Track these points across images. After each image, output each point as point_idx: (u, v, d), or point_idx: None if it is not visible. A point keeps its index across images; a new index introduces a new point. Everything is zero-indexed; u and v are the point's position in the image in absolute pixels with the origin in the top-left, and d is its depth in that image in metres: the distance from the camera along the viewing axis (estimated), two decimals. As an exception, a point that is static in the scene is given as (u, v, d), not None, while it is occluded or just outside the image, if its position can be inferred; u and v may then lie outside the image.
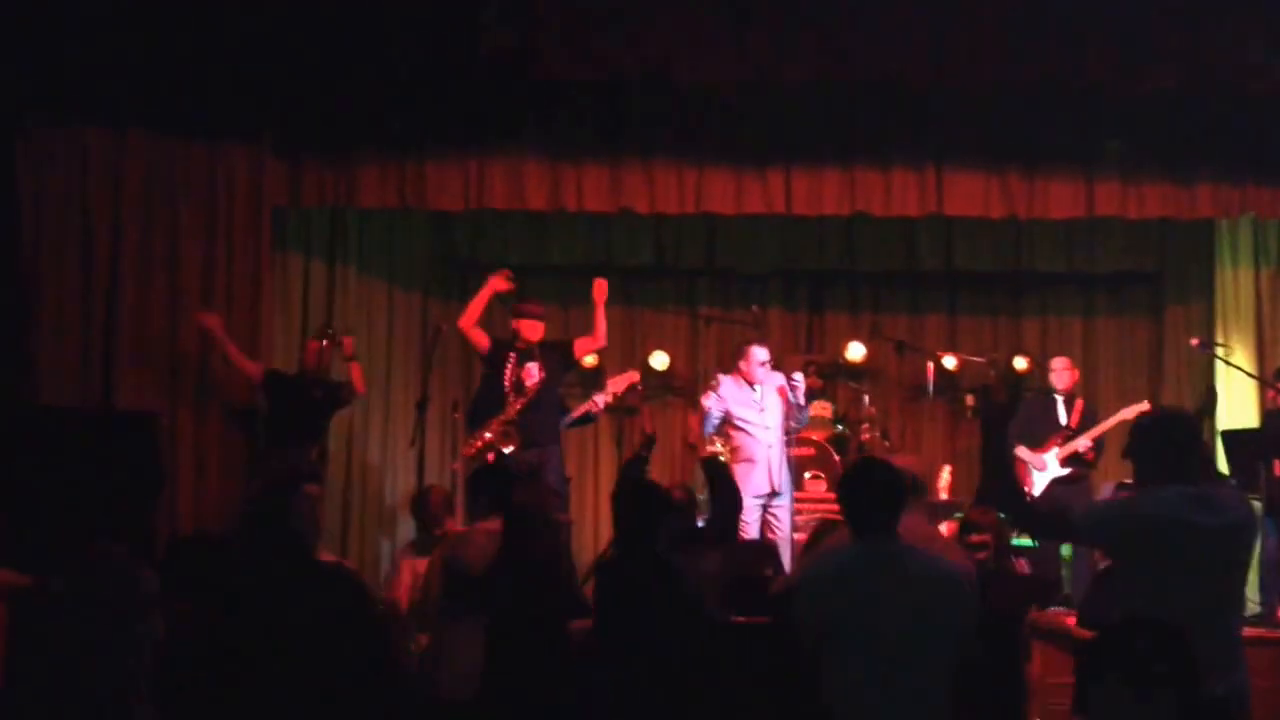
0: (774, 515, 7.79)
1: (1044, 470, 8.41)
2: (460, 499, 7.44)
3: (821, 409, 9.43)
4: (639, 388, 8.65)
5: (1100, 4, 7.28)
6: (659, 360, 9.85)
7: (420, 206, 8.15)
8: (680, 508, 5.85)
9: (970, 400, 9.74)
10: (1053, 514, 4.92)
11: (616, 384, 8.32)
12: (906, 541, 4.13)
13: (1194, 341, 8.68)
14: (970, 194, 8.01)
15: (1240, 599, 4.17)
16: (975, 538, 5.42)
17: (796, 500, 8.05)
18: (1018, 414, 8.79)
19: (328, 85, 7.58)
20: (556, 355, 8.04)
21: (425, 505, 7.22)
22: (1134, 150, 7.94)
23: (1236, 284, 8.83)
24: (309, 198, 8.00)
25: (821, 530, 5.58)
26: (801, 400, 8.00)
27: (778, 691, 4.32)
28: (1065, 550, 8.05)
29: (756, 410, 7.88)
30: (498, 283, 7.98)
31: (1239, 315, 8.78)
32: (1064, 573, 8.11)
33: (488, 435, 7.77)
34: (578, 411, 8.32)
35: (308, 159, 7.91)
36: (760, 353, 7.97)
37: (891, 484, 4.07)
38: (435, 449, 9.09)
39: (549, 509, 5.36)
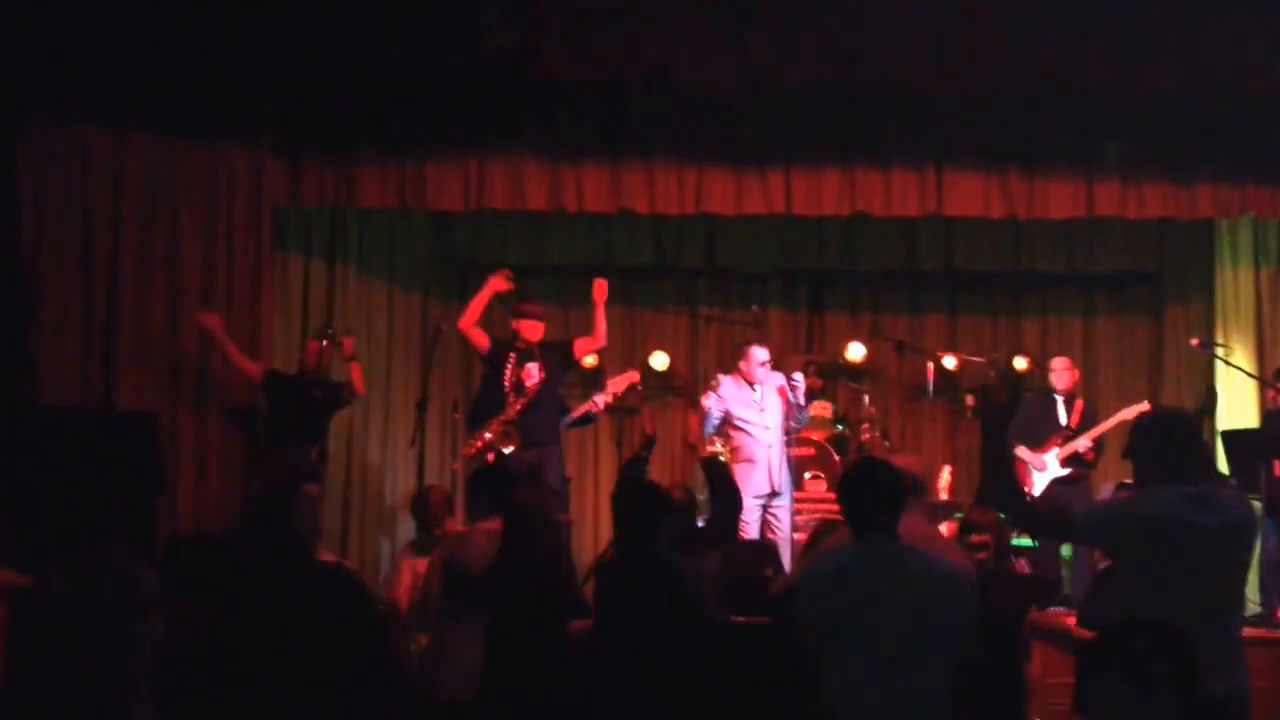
0: (774, 515, 7.79)
1: (1044, 470, 8.41)
2: (460, 499, 7.44)
3: (821, 409, 9.43)
4: (639, 388, 8.64)
5: (1100, 4, 7.28)
6: (659, 360, 9.86)
7: (420, 206, 8.15)
8: (680, 508, 5.85)
9: (970, 400, 9.74)
10: (1052, 514, 4.92)
11: (616, 384, 8.32)
12: (907, 541, 4.13)
13: (1194, 341, 8.68)
14: (970, 194, 8.01)
15: (1240, 599, 4.17)
16: (975, 538, 5.42)
17: (796, 500, 8.05)
18: (1018, 414, 8.79)
19: (328, 85, 7.59)
20: (557, 355, 8.04)
21: (425, 505, 7.22)
22: (1134, 150, 7.94)
23: (1236, 284, 8.83)
24: (309, 198, 8.00)
25: (822, 530, 5.58)
26: (801, 400, 8.00)
27: (778, 691, 4.33)
28: (1065, 550, 8.05)
29: (756, 410, 7.88)
30: (498, 283, 7.98)
31: (1239, 315, 8.78)
32: (1064, 573, 8.11)
33: (488, 435, 7.77)
34: (578, 412, 8.32)
35: (308, 159, 7.91)
36: (760, 353, 7.98)
37: (891, 484, 4.07)
38: (435, 449, 9.09)
39: (549, 509, 5.36)
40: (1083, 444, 8.37)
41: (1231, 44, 7.25)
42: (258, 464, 7.72)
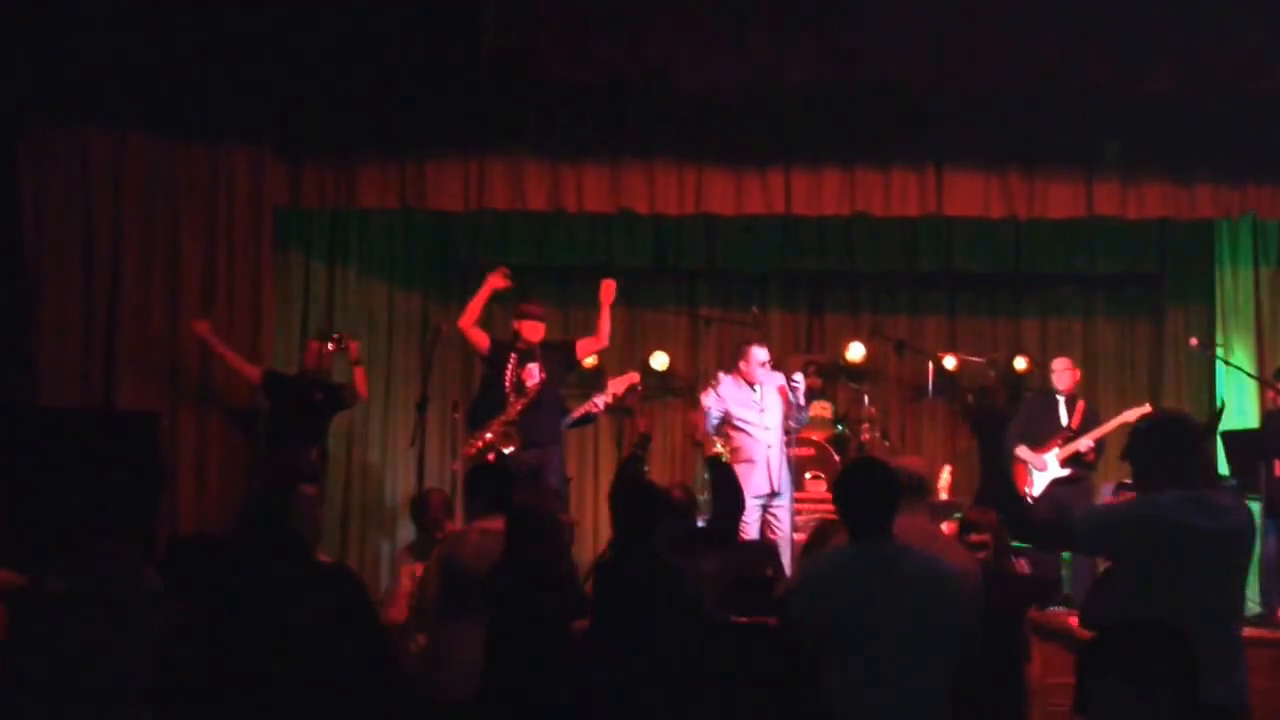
0: (774, 515, 7.79)
1: (1044, 470, 8.42)
2: (460, 500, 7.44)
3: (821, 409, 9.44)
4: (639, 388, 8.64)
5: (1100, 4, 7.28)
6: (659, 360, 9.86)
7: (420, 207, 8.15)
8: (680, 508, 5.85)
9: (971, 400, 9.74)
10: (1050, 523, 4.91)
11: (617, 385, 8.32)
12: (910, 542, 4.13)
13: (1194, 341, 8.68)
14: (970, 194, 8.01)
15: (1240, 604, 4.16)
16: (975, 537, 5.42)
17: (796, 500, 8.05)
18: (1019, 414, 8.79)
19: (328, 85, 7.59)
20: (558, 356, 8.04)
21: (425, 509, 7.22)
22: (1134, 150, 7.94)
23: (1236, 284, 8.82)
24: (309, 198, 8.00)
25: (825, 530, 5.57)
26: (801, 400, 8.00)
27: (778, 691, 4.33)
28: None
29: (756, 411, 7.88)
30: (496, 281, 7.97)
31: (1239, 315, 8.77)
32: (1064, 573, 8.11)
33: (488, 435, 7.76)
34: (578, 412, 8.32)
35: (308, 159, 7.92)
36: (760, 353, 7.97)
37: (886, 484, 4.07)
38: (435, 449, 9.10)
39: (552, 510, 5.35)
40: (1084, 444, 8.37)
41: (1231, 44, 7.25)
42: (258, 464, 7.73)
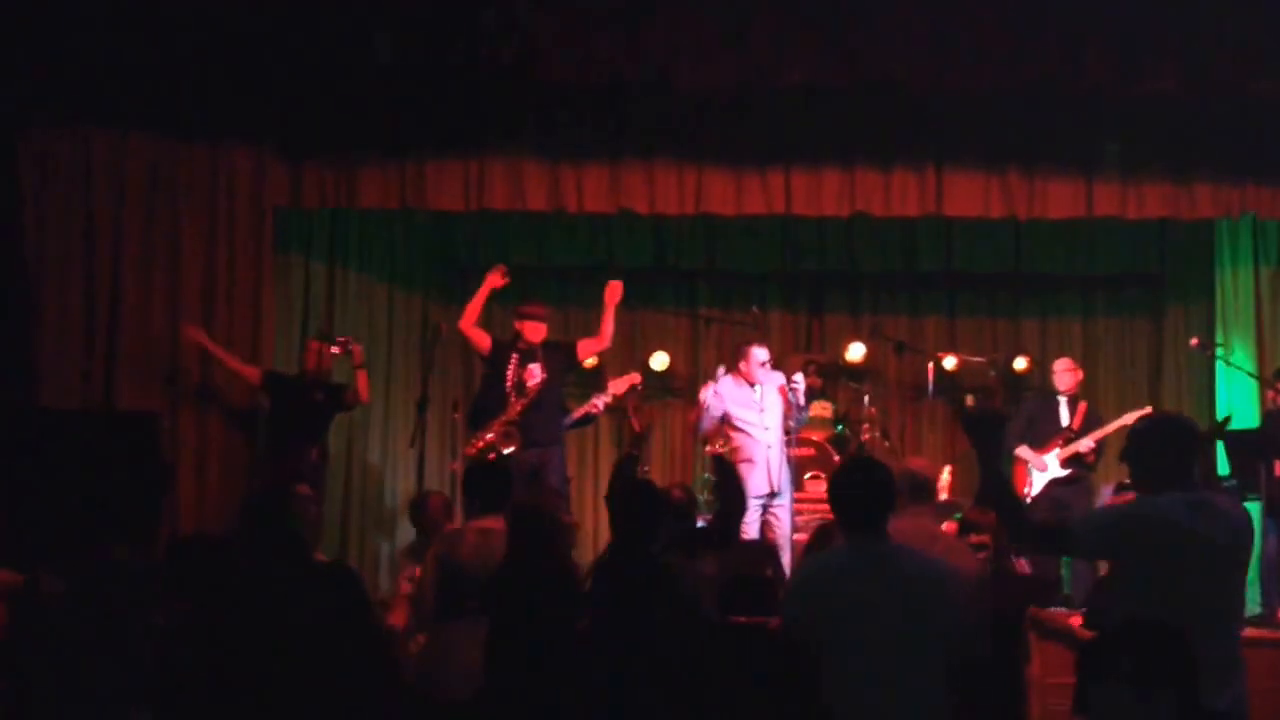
0: (774, 515, 7.78)
1: (1044, 471, 8.42)
2: (460, 501, 7.44)
3: (821, 409, 9.43)
4: (639, 389, 8.64)
5: (1100, 4, 7.28)
6: (659, 361, 9.86)
7: (420, 207, 8.16)
8: (680, 508, 5.84)
9: (970, 401, 9.74)
10: (1049, 528, 4.91)
11: (617, 385, 8.31)
12: (915, 543, 4.13)
13: (1194, 341, 8.68)
14: (970, 194, 8.01)
15: (1239, 607, 4.16)
16: (974, 538, 5.42)
17: (796, 500, 8.05)
18: (1019, 414, 8.80)
19: (328, 85, 7.59)
20: (559, 356, 8.03)
21: (424, 511, 7.22)
22: (1134, 150, 7.93)
23: (1236, 284, 8.81)
24: (310, 199, 8.00)
25: (827, 532, 5.56)
26: (801, 400, 8.00)
27: (778, 691, 4.32)
28: (1065, 552, 8.06)
29: (756, 411, 7.88)
30: (494, 280, 7.97)
31: (1239, 315, 8.76)
32: (1064, 573, 8.11)
33: (489, 436, 7.76)
34: (578, 413, 8.32)
35: (308, 160, 7.92)
36: (760, 353, 7.97)
37: (880, 484, 4.07)
38: (435, 449, 9.10)
39: (556, 511, 5.34)
40: (1085, 446, 8.36)
41: (1231, 44, 7.25)
42: (257, 464, 7.73)
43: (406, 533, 8.33)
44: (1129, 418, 8.02)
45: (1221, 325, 8.81)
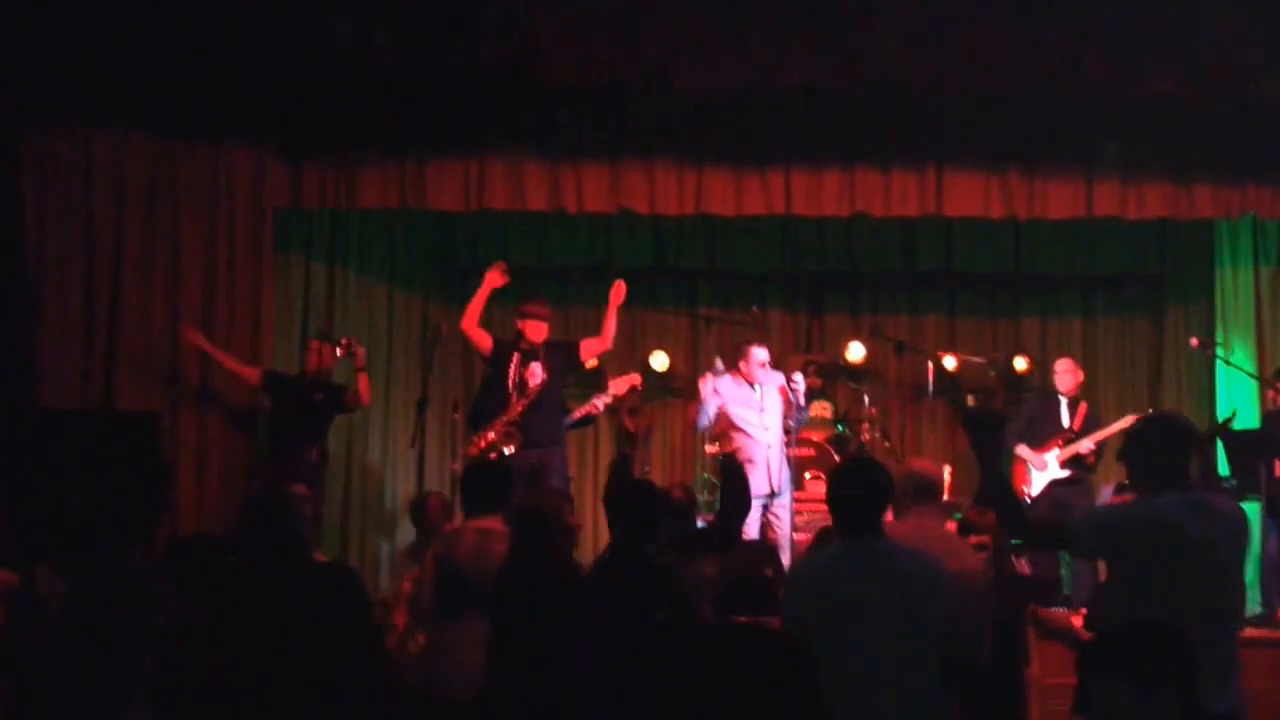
0: (774, 515, 7.79)
1: (1044, 470, 8.42)
2: (460, 501, 7.43)
3: (821, 409, 9.43)
4: (639, 389, 8.64)
5: (1100, 4, 7.28)
6: (659, 360, 9.86)
7: (420, 207, 8.15)
8: (680, 508, 5.84)
9: (971, 401, 9.74)
10: (1049, 522, 4.92)
11: (618, 386, 8.30)
12: (921, 543, 4.14)
13: (1194, 341, 8.68)
14: (970, 194, 8.01)
15: (1238, 607, 4.16)
16: (973, 539, 5.42)
17: (796, 500, 8.04)
18: (1020, 414, 8.80)
19: (328, 86, 7.59)
20: (561, 355, 8.02)
21: (424, 512, 7.22)
22: (1134, 151, 7.93)
23: (1236, 284, 8.81)
24: (310, 199, 8.00)
25: (830, 533, 5.55)
26: (801, 400, 8.00)
27: (778, 691, 4.32)
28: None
29: (756, 410, 7.88)
30: (494, 278, 7.96)
31: (1239, 315, 8.76)
32: (1064, 572, 8.11)
33: (491, 435, 7.75)
34: (579, 413, 8.31)
35: (308, 160, 7.92)
36: (760, 353, 7.97)
37: (879, 484, 4.10)
38: (435, 450, 9.09)
39: (559, 510, 5.33)
40: (1085, 447, 8.36)
41: (1231, 45, 7.25)
42: (256, 465, 7.73)
43: (406, 533, 8.33)
44: (1128, 420, 8.02)
45: (1221, 325, 8.80)
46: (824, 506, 8.23)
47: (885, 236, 9.75)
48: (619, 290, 7.99)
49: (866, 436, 9.22)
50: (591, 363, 8.77)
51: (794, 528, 7.82)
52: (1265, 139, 7.78)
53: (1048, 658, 6.18)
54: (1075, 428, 8.47)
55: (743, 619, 5.31)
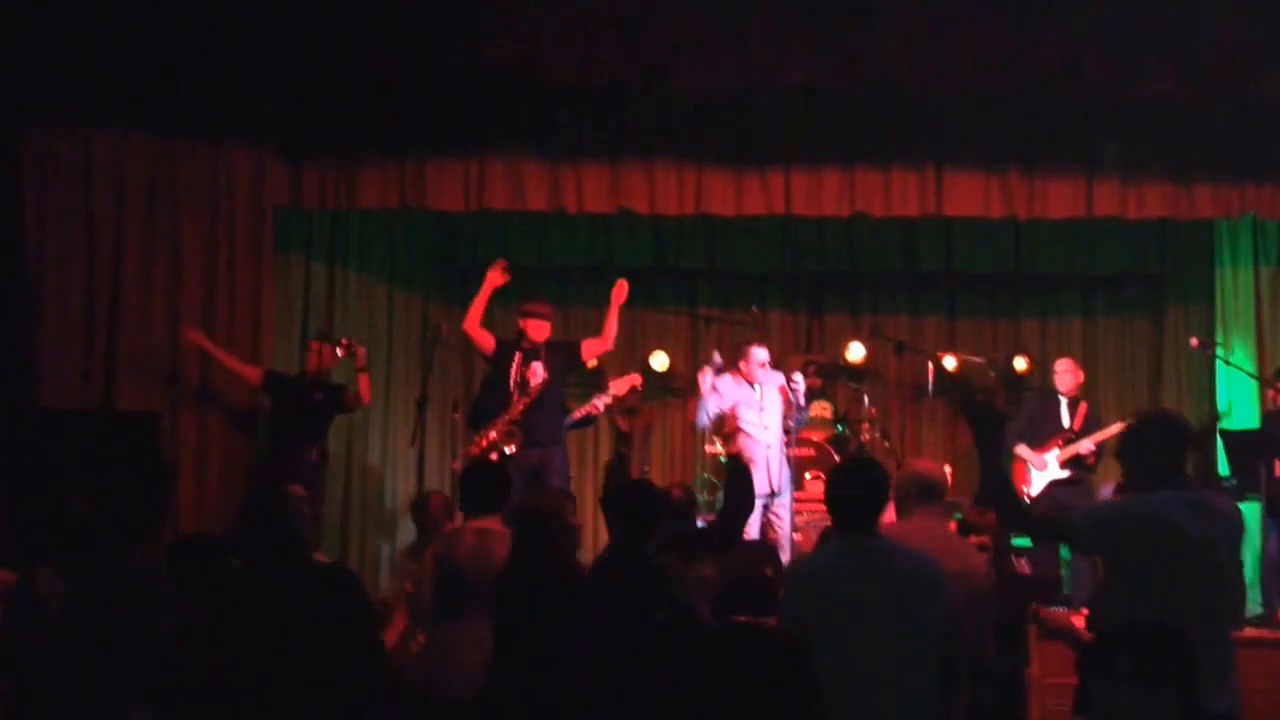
0: (774, 515, 7.79)
1: (1044, 470, 8.42)
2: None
3: (821, 409, 9.43)
4: (639, 390, 8.64)
5: (1100, 4, 7.28)
6: (659, 360, 9.87)
7: (420, 207, 8.15)
8: (680, 508, 5.83)
9: (977, 396, 9.72)
10: (1049, 518, 4.92)
11: (618, 386, 8.30)
12: (924, 544, 4.14)
13: (1194, 341, 8.68)
14: (970, 194, 8.01)
15: (1238, 606, 4.17)
16: (973, 539, 5.42)
17: (796, 500, 8.05)
18: (1020, 413, 8.80)
19: (328, 86, 7.59)
20: (562, 355, 8.01)
21: (425, 511, 7.21)
22: (1134, 150, 7.93)
23: (1236, 284, 8.81)
24: (310, 199, 8.00)
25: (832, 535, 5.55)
26: (801, 400, 8.00)
27: (777, 691, 4.32)
28: (1065, 550, 8.05)
29: (756, 410, 7.88)
30: (495, 277, 7.95)
31: (1239, 315, 8.76)
32: (1064, 572, 8.11)
33: (492, 435, 7.75)
34: (579, 413, 8.30)
35: (309, 160, 7.93)
36: (760, 353, 7.97)
37: (878, 484, 4.11)
38: (435, 449, 9.09)
39: (562, 511, 5.33)
40: (1085, 447, 8.36)
41: (1231, 45, 7.25)
42: (256, 465, 7.73)
43: (407, 533, 8.33)
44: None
45: (1221, 325, 8.80)
46: (824, 507, 8.28)
47: (885, 236, 9.75)
48: (620, 290, 7.98)
49: (866, 436, 9.22)
50: (592, 363, 8.77)
51: (794, 528, 7.83)
52: (1265, 139, 7.78)
53: (1048, 658, 6.18)
54: (1075, 428, 8.47)
55: (743, 619, 5.31)
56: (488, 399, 8.02)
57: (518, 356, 7.86)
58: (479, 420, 7.98)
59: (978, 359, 9.64)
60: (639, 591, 4.41)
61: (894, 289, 10.28)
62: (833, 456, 8.88)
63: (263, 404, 7.86)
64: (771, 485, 7.73)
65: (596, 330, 8.13)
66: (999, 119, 7.84)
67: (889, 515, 4.51)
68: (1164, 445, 3.98)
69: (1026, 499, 8.30)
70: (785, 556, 7.26)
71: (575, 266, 9.89)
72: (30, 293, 7.61)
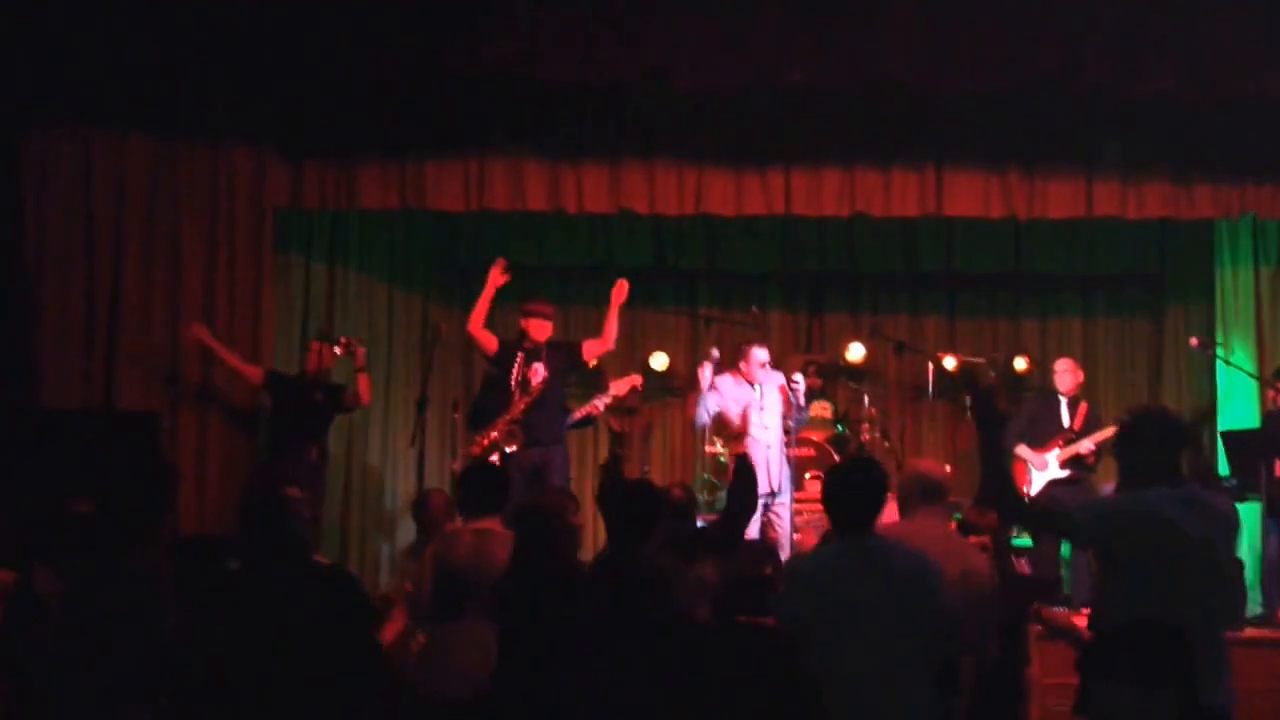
0: (774, 515, 7.79)
1: (1044, 470, 8.42)
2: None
3: (821, 409, 9.43)
4: (639, 390, 8.64)
5: (1100, 4, 7.28)
6: (659, 361, 9.86)
7: (421, 207, 8.15)
8: (680, 508, 5.83)
9: (970, 400, 9.72)
10: (1048, 510, 4.93)
11: (618, 386, 8.30)
12: (927, 545, 4.14)
13: (1194, 341, 8.68)
14: (970, 194, 8.01)
15: (1231, 605, 4.17)
16: (973, 539, 5.42)
17: (796, 500, 8.05)
18: (1020, 413, 8.79)
19: (328, 86, 7.59)
20: (563, 355, 8.01)
21: (426, 510, 7.21)
22: (1134, 150, 7.94)
23: (1236, 284, 8.81)
24: (310, 199, 8.00)
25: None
26: (801, 400, 8.00)
27: (777, 691, 4.32)
28: (1065, 550, 8.06)
29: (756, 410, 7.88)
30: (496, 277, 7.95)
31: (1239, 315, 8.76)
32: (1063, 572, 8.11)
33: (494, 434, 7.75)
34: (579, 413, 8.30)
35: (309, 160, 7.93)
36: (760, 353, 7.97)
37: (878, 484, 4.11)
38: (435, 449, 9.09)
39: (564, 511, 5.32)
40: (1085, 447, 8.35)
41: (1231, 44, 7.25)
42: (255, 465, 7.73)
43: (407, 533, 8.33)
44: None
45: (1221, 325, 8.81)
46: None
47: (885, 236, 9.75)
48: (621, 289, 7.98)
49: (866, 436, 9.22)
50: (592, 363, 8.77)
51: (794, 528, 7.82)
52: (1265, 139, 7.79)
53: (1048, 658, 6.17)
54: (1075, 428, 8.47)
55: (742, 619, 5.31)
56: (488, 399, 8.02)
57: (520, 356, 7.85)
58: (479, 420, 7.98)
59: (978, 359, 9.64)
60: (638, 591, 4.41)
61: (894, 289, 10.28)
62: (833, 456, 8.87)
63: (263, 404, 7.86)
64: (771, 485, 7.73)
65: (597, 330, 8.13)
66: (999, 119, 7.85)
67: (891, 515, 4.52)
68: (1156, 442, 3.98)
69: (1028, 500, 8.29)
70: (785, 556, 7.25)
71: (575, 266, 9.89)
72: (30, 293, 7.61)
